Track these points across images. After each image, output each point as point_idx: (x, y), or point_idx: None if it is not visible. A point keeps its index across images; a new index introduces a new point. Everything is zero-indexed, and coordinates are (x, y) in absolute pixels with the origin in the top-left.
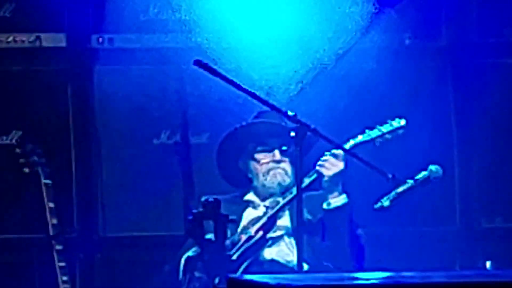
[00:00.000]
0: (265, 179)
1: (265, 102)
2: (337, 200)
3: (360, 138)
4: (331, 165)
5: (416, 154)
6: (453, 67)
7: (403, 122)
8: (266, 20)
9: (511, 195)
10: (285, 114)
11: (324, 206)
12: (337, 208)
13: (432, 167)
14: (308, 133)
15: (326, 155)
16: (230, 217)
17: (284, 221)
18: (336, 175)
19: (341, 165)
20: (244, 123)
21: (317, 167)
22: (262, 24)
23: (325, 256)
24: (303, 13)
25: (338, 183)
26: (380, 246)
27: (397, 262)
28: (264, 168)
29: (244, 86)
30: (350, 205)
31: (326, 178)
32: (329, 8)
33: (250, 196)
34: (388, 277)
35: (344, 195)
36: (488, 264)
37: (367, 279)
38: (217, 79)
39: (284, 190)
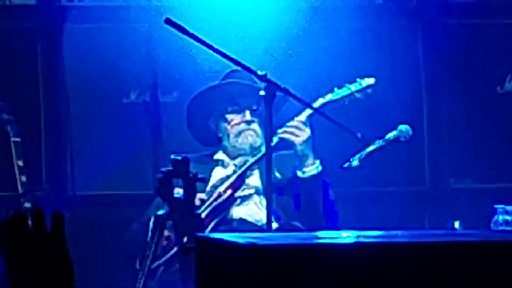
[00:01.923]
0: (236, 141)
1: (235, 61)
2: (312, 168)
3: (329, 96)
4: (299, 131)
5: (386, 114)
6: (423, 27)
7: (372, 80)
8: None
9: (480, 156)
10: (255, 73)
11: (299, 174)
12: (312, 176)
13: (402, 127)
14: (278, 93)
15: (290, 122)
16: (199, 176)
17: (254, 180)
18: (305, 141)
19: (308, 131)
20: (215, 83)
21: (284, 135)
22: None
23: (297, 219)
24: None
25: (310, 149)
26: (349, 206)
27: (365, 222)
28: (235, 129)
29: (213, 44)
30: (324, 172)
31: (298, 147)
32: None
33: (220, 155)
34: (358, 236)
35: (318, 162)
36: (456, 224)
37: (337, 238)
38: (188, 38)
39: (254, 151)
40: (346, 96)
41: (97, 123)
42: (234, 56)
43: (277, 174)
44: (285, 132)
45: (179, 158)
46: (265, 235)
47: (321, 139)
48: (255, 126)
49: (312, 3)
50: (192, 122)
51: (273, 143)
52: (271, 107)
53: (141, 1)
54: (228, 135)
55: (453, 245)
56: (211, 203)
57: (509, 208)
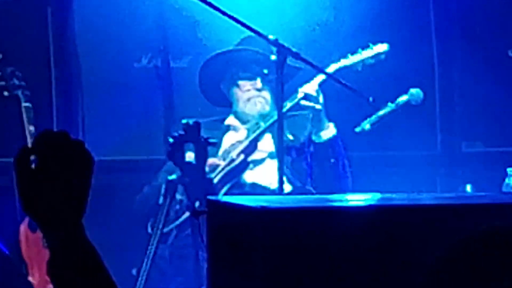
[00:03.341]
0: (245, 107)
1: (247, 26)
2: (327, 132)
3: (342, 62)
4: (316, 96)
5: (397, 77)
6: None
7: (385, 46)
8: None
9: (492, 120)
10: (266, 38)
11: (315, 139)
12: (328, 140)
13: (413, 91)
14: (291, 61)
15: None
16: (211, 140)
17: (266, 143)
18: (321, 107)
19: (321, 98)
20: (228, 49)
21: (303, 102)
22: None
23: (310, 183)
24: None
25: (324, 114)
26: (361, 170)
27: (377, 186)
28: (245, 95)
29: (225, 9)
30: (338, 135)
31: (315, 113)
32: None
33: (231, 120)
34: (372, 199)
35: (332, 125)
36: (468, 187)
37: (348, 201)
38: (199, 2)
39: (264, 118)
40: (359, 62)
41: (108, 88)
42: (245, 21)
43: (289, 136)
44: (305, 98)
45: (191, 122)
46: (276, 198)
47: (333, 104)
48: (265, 93)
49: None
50: (204, 85)
51: (289, 107)
52: (282, 72)
53: None
54: (238, 101)
55: (465, 207)
56: (224, 168)
57: None
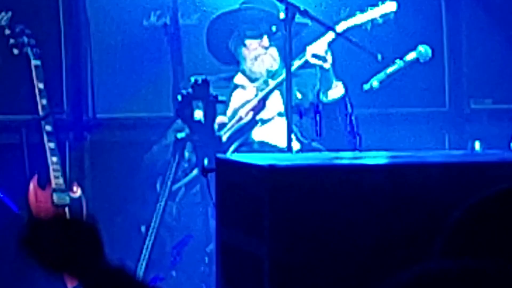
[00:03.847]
0: (253, 64)
1: None
2: (335, 91)
3: (352, 21)
4: (326, 55)
5: (405, 35)
6: None
7: (394, 5)
8: None
9: (500, 77)
10: None
11: (323, 98)
12: (336, 99)
13: (421, 48)
14: (298, 17)
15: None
16: (220, 98)
17: (275, 102)
18: (330, 66)
19: (330, 56)
20: (235, 7)
21: (312, 60)
22: None
23: (318, 140)
24: None
25: (333, 73)
26: (370, 127)
27: (386, 143)
28: (252, 53)
29: None
30: (347, 94)
31: (324, 72)
32: None
33: (239, 79)
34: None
35: (341, 85)
36: (477, 144)
37: (357, 159)
38: None
39: (272, 75)
40: (368, 21)
41: (117, 46)
42: None
43: (298, 94)
44: (314, 56)
45: (199, 80)
46: (285, 156)
47: (341, 61)
48: (272, 51)
49: None
50: (211, 43)
51: (298, 65)
52: (290, 30)
53: None
54: (245, 59)
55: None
56: (232, 126)
57: None
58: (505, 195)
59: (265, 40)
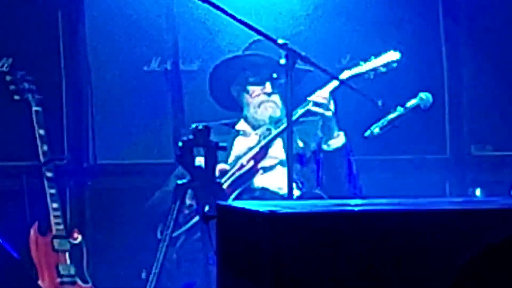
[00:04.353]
0: (256, 112)
1: (256, 30)
2: (337, 141)
3: (355, 70)
4: (327, 104)
5: (406, 81)
6: None
7: (397, 55)
8: None
9: (501, 123)
10: (275, 41)
11: (324, 147)
12: (337, 148)
13: (422, 95)
14: (299, 63)
15: (318, 95)
16: (221, 144)
17: (277, 150)
18: (332, 115)
19: (332, 105)
20: (238, 54)
21: (314, 108)
22: None
23: (319, 189)
24: None
25: (335, 122)
26: (371, 174)
27: (387, 190)
28: (255, 100)
29: (234, 14)
30: (348, 144)
31: (325, 121)
32: None
33: (241, 125)
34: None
35: (342, 134)
36: (478, 191)
37: (358, 206)
38: (209, 6)
39: (275, 122)
40: (371, 70)
41: (118, 92)
42: (255, 25)
43: (300, 143)
44: (315, 104)
45: (200, 126)
46: (285, 203)
47: (343, 108)
48: (275, 97)
49: None
50: (214, 89)
51: (300, 114)
52: (291, 76)
53: None
54: (249, 106)
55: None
56: (234, 173)
57: None
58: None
59: (268, 87)
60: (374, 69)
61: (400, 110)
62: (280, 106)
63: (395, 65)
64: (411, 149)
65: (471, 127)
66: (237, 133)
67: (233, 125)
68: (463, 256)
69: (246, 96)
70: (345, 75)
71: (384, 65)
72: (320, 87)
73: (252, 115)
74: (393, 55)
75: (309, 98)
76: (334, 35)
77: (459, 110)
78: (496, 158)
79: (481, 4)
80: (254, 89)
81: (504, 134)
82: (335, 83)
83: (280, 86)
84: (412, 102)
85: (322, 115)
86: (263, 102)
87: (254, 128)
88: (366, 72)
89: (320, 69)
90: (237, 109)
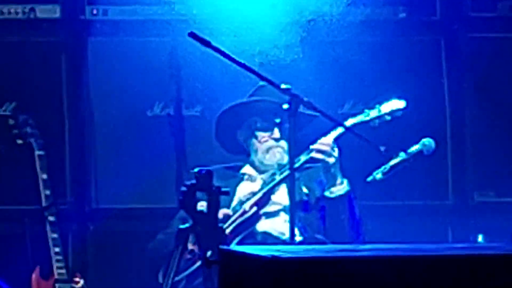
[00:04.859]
0: (264, 157)
1: (259, 75)
2: (340, 188)
3: (360, 117)
4: (331, 151)
5: (409, 127)
6: (446, 41)
7: (403, 104)
8: None
9: (504, 169)
10: (278, 87)
11: (327, 194)
12: (340, 196)
13: (425, 141)
14: (304, 109)
15: (321, 142)
16: (223, 189)
17: (281, 196)
18: (335, 162)
19: (337, 151)
20: (246, 100)
21: (317, 155)
22: None
23: (322, 234)
24: None
25: (338, 169)
26: (374, 220)
27: (389, 236)
28: (264, 146)
29: (237, 59)
30: (351, 191)
31: (328, 168)
32: None
33: (247, 169)
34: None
35: (345, 182)
36: (480, 237)
37: (360, 251)
38: (211, 51)
39: (282, 167)
40: (376, 118)
41: (121, 136)
42: (257, 70)
43: (304, 189)
44: (318, 151)
45: (203, 171)
46: (287, 248)
47: (345, 153)
48: (283, 143)
49: (336, 16)
50: (220, 133)
51: (303, 161)
52: (294, 121)
53: (164, 15)
54: (257, 151)
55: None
56: (236, 219)
57: None
58: None
59: (276, 133)
60: (379, 117)
61: (402, 155)
62: (287, 151)
63: (399, 113)
64: (413, 195)
65: (474, 173)
66: (242, 176)
67: (237, 168)
68: None
69: (254, 141)
70: (350, 122)
71: (389, 113)
72: (325, 133)
73: (260, 160)
74: (398, 104)
75: (311, 147)
76: (337, 80)
77: (462, 156)
78: (499, 205)
79: (483, 51)
80: (263, 135)
81: (506, 180)
82: (339, 130)
83: (286, 131)
84: (414, 148)
85: (324, 162)
86: (271, 147)
87: (260, 172)
88: (372, 120)
89: (324, 115)
90: (242, 153)
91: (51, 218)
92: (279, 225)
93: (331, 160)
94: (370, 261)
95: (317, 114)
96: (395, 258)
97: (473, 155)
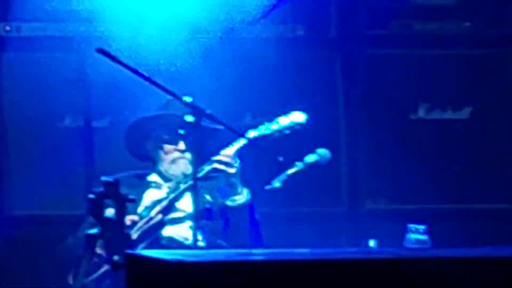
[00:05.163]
0: (170, 168)
1: (163, 89)
2: (240, 197)
3: (261, 130)
4: (231, 162)
5: (306, 138)
6: (342, 57)
7: (303, 117)
8: (163, 11)
9: (395, 179)
10: (181, 99)
11: (229, 203)
12: (240, 204)
13: (320, 151)
14: (208, 121)
15: (223, 153)
16: (130, 197)
17: (185, 204)
18: (235, 172)
19: (237, 162)
20: (155, 113)
21: (218, 165)
22: (159, 14)
23: (224, 239)
24: (204, 5)
25: (239, 179)
26: (273, 226)
27: (287, 241)
28: (170, 157)
29: (143, 73)
30: (251, 200)
31: (229, 178)
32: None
33: (154, 177)
34: (274, 254)
35: (246, 191)
36: (371, 242)
37: (256, 255)
38: (118, 66)
39: (186, 177)
40: (276, 131)
41: (33, 146)
42: (161, 83)
43: (208, 197)
44: (220, 162)
45: (110, 180)
46: (192, 253)
47: (247, 163)
48: (187, 155)
49: (237, 34)
50: (130, 143)
51: (205, 171)
52: (197, 133)
53: (74, 31)
54: (163, 162)
55: (367, 261)
56: (143, 225)
57: (420, 227)
58: None
59: (181, 145)
60: (280, 131)
61: (299, 165)
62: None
63: (299, 127)
64: (310, 202)
65: (366, 182)
66: (149, 184)
67: (144, 176)
68: None
69: (161, 152)
70: (251, 134)
71: (289, 127)
72: (227, 145)
73: (166, 170)
74: (298, 117)
75: (213, 158)
76: (238, 94)
77: (355, 166)
78: (390, 211)
79: (377, 66)
80: (169, 147)
81: (397, 188)
82: (241, 142)
83: (192, 144)
84: (311, 158)
85: (226, 172)
86: (176, 159)
87: (166, 181)
88: (272, 133)
89: (227, 128)
90: (150, 161)
91: None
92: (183, 231)
93: (232, 170)
94: (263, 264)
95: (220, 127)
96: (287, 262)
97: (366, 165)
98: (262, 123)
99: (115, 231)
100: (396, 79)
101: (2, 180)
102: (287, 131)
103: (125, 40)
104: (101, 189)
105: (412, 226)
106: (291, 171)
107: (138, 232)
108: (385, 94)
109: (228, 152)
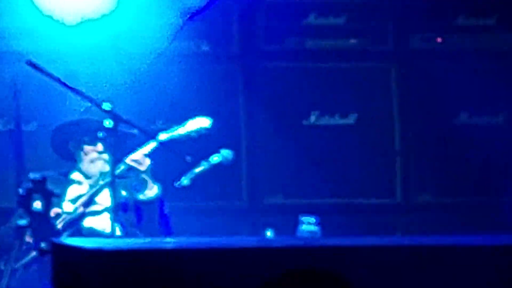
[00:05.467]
0: (89, 167)
1: (84, 96)
2: (151, 192)
3: (171, 133)
4: (142, 161)
5: (211, 140)
6: (243, 69)
7: (208, 122)
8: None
9: (289, 176)
10: (99, 106)
11: (140, 197)
12: (151, 198)
13: (224, 152)
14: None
15: (135, 153)
16: (55, 192)
17: (104, 198)
18: (146, 169)
19: (148, 161)
20: (78, 118)
21: (130, 163)
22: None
23: (138, 229)
24: (122, 23)
25: (149, 176)
26: (183, 218)
27: (194, 231)
28: (88, 157)
29: (66, 83)
30: (161, 194)
31: (140, 175)
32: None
33: (76, 175)
34: (182, 242)
35: (156, 187)
36: (268, 233)
37: (165, 243)
38: (45, 76)
39: (104, 175)
40: (185, 135)
41: None
42: (83, 91)
43: (123, 192)
44: (131, 161)
45: (38, 177)
46: (111, 241)
47: (159, 162)
48: (105, 155)
49: (152, 50)
50: (55, 144)
51: (120, 170)
52: (115, 136)
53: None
54: (83, 161)
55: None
56: (66, 217)
57: (312, 219)
58: (287, 277)
59: (100, 147)
60: (187, 135)
61: (205, 164)
62: (109, 162)
63: (204, 131)
64: (214, 197)
65: (265, 179)
66: (72, 181)
67: (68, 173)
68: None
69: (81, 153)
70: (162, 137)
71: (196, 131)
72: (140, 146)
73: (85, 169)
74: (204, 122)
75: (126, 158)
76: (151, 101)
77: (254, 165)
78: (286, 205)
79: (274, 78)
80: (88, 148)
81: (292, 185)
82: (153, 144)
83: (110, 146)
84: (215, 158)
85: (137, 170)
86: (95, 159)
87: (87, 178)
88: (181, 136)
89: (140, 130)
90: (73, 160)
91: None
92: (102, 222)
93: (142, 168)
94: (173, 251)
95: (135, 132)
96: (193, 249)
97: (264, 164)
98: (172, 127)
99: (42, 222)
100: (291, 89)
101: None
102: (194, 134)
103: (53, 53)
104: (30, 185)
105: (304, 218)
106: (198, 169)
107: (63, 223)
108: (281, 102)
109: (140, 152)
